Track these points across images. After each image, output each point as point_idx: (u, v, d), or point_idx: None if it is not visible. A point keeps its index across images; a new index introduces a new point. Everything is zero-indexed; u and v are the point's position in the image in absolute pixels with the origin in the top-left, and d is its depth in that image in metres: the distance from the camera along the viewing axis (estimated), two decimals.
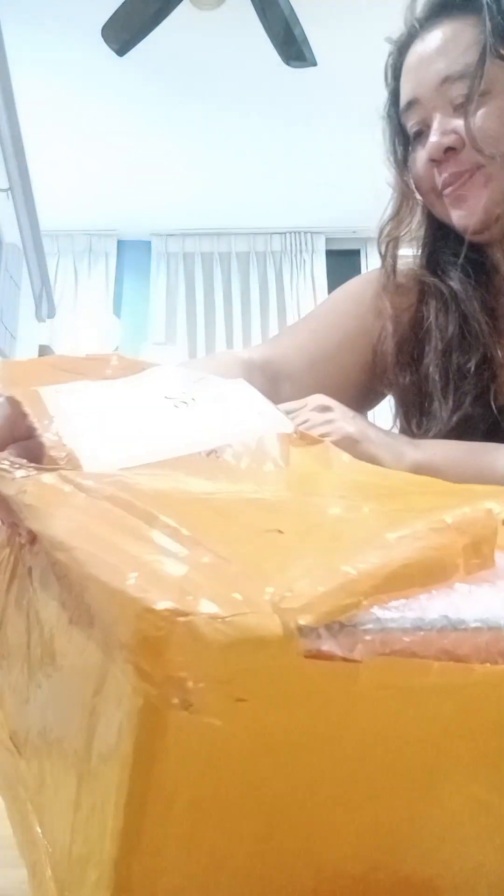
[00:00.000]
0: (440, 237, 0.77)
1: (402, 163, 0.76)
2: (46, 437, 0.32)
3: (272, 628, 0.19)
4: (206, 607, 0.18)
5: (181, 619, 0.18)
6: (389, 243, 0.78)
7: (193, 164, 3.57)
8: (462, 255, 0.72)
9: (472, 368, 0.69)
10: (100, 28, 2.24)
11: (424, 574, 0.22)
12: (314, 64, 2.31)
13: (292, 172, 3.63)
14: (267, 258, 4.20)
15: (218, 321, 4.10)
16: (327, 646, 0.20)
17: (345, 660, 0.20)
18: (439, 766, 0.22)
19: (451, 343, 0.71)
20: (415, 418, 0.73)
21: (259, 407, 0.39)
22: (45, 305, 2.70)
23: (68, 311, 4.08)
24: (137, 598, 0.18)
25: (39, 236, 2.52)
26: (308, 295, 4.11)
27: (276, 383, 0.74)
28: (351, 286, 0.84)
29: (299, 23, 2.19)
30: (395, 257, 0.78)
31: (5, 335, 2.21)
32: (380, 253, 0.79)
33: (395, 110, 0.75)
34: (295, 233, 4.19)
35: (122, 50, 2.30)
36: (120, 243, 4.26)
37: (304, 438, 0.38)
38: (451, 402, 0.69)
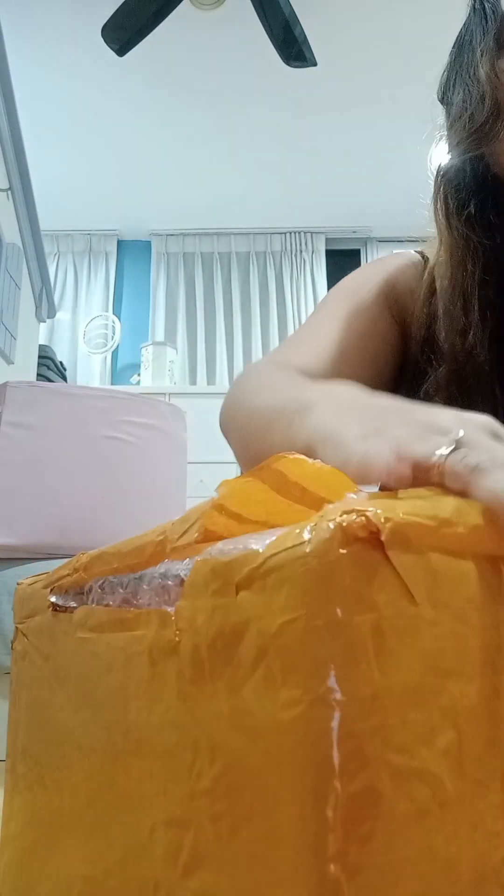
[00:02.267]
0: (487, 189, 0.62)
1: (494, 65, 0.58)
2: None
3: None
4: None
5: None
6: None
7: (193, 164, 3.57)
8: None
9: None
10: (100, 28, 2.24)
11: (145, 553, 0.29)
12: (314, 64, 2.31)
13: (292, 172, 3.63)
14: (267, 258, 4.21)
15: (218, 321, 4.10)
16: (58, 602, 0.34)
17: (64, 610, 0.33)
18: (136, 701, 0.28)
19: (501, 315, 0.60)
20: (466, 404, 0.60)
21: None
22: (45, 305, 2.70)
23: (68, 311, 4.09)
24: None
25: (39, 236, 2.52)
26: (308, 295, 4.12)
27: None
28: (353, 280, 0.72)
29: (299, 23, 2.19)
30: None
31: (5, 335, 2.21)
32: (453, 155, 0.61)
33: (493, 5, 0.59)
34: (295, 233, 4.19)
35: (122, 50, 2.30)
36: (120, 243, 4.26)
37: None
38: None
